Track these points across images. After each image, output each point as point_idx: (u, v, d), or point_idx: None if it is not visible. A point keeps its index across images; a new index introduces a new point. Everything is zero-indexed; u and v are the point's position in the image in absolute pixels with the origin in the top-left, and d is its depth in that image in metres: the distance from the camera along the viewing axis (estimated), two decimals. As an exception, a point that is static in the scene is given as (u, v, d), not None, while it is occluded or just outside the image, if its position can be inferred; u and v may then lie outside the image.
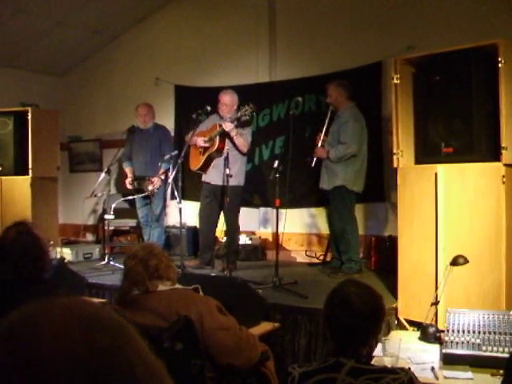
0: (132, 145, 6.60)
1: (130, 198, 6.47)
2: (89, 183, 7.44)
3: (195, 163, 5.94)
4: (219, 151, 5.66)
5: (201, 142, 5.78)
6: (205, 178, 5.92)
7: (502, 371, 2.46)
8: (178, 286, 2.60)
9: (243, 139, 5.69)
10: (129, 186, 6.48)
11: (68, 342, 0.68)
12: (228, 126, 5.53)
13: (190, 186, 6.95)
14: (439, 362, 2.87)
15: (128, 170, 6.64)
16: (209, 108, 5.76)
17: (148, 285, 2.47)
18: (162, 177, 6.30)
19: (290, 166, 5.13)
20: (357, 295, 2.01)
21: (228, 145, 5.62)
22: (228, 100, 5.81)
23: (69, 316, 0.72)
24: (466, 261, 3.49)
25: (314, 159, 5.49)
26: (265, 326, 3.63)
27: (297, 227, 6.55)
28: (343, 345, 1.99)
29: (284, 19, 6.83)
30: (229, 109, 5.79)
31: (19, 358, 0.67)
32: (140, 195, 6.35)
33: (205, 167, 5.85)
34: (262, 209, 6.95)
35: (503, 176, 3.54)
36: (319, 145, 5.52)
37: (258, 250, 6.62)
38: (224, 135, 5.64)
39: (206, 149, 5.79)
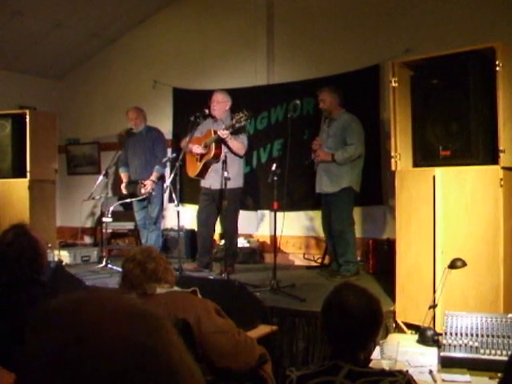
0: (127, 149, 6.62)
1: (128, 201, 6.46)
2: (87, 186, 7.43)
3: (193, 170, 5.94)
4: (216, 157, 5.67)
5: (197, 149, 5.77)
6: (204, 183, 5.91)
7: (499, 374, 2.46)
8: (176, 288, 2.59)
9: (239, 142, 5.69)
10: (124, 191, 6.51)
11: (117, 334, 0.66)
12: (223, 134, 5.53)
13: (188, 189, 6.95)
14: (437, 365, 2.87)
15: (123, 175, 6.66)
16: (207, 111, 5.78)
17: (146, 288, 2.46)
18: (155, 179, 6.30)
19: (288, 169, 5.14)
20: (354, 300, 1.99)
21: (225, 148, 5.63)
22: (220, 98, 5.82)
23: (119, 308, 0.70)
24: (464, 264, 3.49)
25: (315, 163, 5.51)
26: (263, 329, 3.63)
27: (295, 230, 6.54)
28: (341, 349, 1.98)
29: (282, 22, 6.84)
30: (220, 106, 5.79)
31: (69, 352, 0.64)
32: (136, 199, 6.36)
33: (203, 173, 5.86)
34: (260, 212, 6.95)
35: (501, 179, 3.54)
36: (318, 149, 5.53)
37: (256, 252, 6.62)
38: (220, 141, 5.65)
39: (202, 155, 5.80)
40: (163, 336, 0.70)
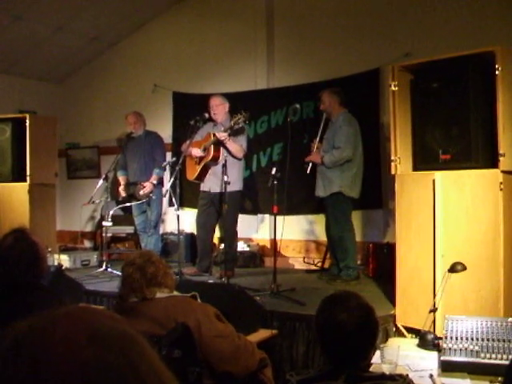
0: (126, 153, 6.63)
1: (128, 204, 6.47)
2: (86, 190, 7.44)
3: (192, 173, 5.95)
4: (214, 160, 5.67)
5: (196, 152, 5.78)
6: (203, 186, 5.91)
7: (500, 378, 2.45)
8: (175, 293, 2.59)
9: (237, 145, 5.69)
10: (122, 194, 6.51)
11: (76, 358, 0.63)
12: (222, 136, 5.53)
13: (188, 193, 6.96)
14: (437, 369, 2.86)
15: (121, 178, 6.68)
16: (206, 115, 5.78)
17: (146, 292, 2.46)
18: (155, 182, 6.32)
19: (288, 173, 5.13)
20: (347, 318, 1.94)
21: (225, 152, 5.62)
22: (218, 101, 5.84)
23: (78, 329, 0.66)
24: (464, 268, 3.49)
25: (310, 165, 5.49)
26: (263, 334, 3.62)
27: (295, 234, 6.54)
28: (341, 363, 1.96)
29: (282, 26, 6.85)
30: (220, 109, 5.80)
31: (23, 372, 0.62)
32: (135, 202, 6.36)
33: (201, 176, 5.86)
34: (260, 215, 6.95)
35: (501, 183, 3.54)
36: (314, 151, 5.53)
37: (256, 256, 6.62)
38: (218, 144, 5.65)
39: (201, 158, 5.80)
40: (131, 356, 0.66)
